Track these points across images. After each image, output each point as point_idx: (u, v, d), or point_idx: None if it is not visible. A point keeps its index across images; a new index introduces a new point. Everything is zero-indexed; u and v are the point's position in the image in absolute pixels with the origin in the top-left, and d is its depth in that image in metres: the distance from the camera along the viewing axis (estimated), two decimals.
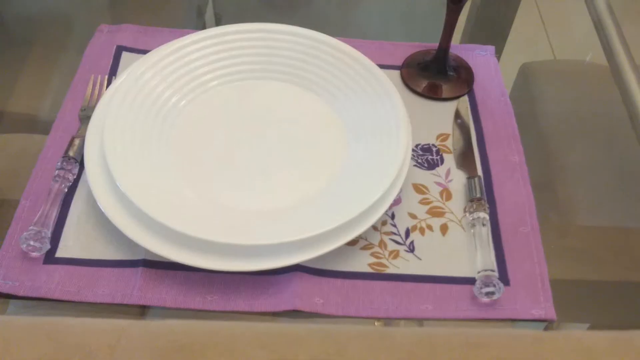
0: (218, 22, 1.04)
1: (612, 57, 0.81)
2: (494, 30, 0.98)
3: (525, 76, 0.94)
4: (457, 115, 0.59)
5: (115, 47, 0.63)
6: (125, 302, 0.46)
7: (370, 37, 1.21)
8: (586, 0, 0.88)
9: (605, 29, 0.85)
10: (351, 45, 0.60)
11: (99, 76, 0.60)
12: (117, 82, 0.56)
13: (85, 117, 0.57)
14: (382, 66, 0.61)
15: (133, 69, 0.56)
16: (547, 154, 0.79)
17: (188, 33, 0.62)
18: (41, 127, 0.80)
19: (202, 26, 1.06)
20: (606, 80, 0.80)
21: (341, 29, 1.08)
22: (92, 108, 0.57)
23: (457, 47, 0.65)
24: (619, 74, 0.79)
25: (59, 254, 0.49)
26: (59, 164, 0.52)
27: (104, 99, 0.55)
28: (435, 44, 0.63)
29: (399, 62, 0.64)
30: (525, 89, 0.93)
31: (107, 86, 0.60)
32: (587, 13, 0.88)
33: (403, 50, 0.65)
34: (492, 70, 0.64)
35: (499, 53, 1.08)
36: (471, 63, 0.64)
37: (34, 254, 0.48)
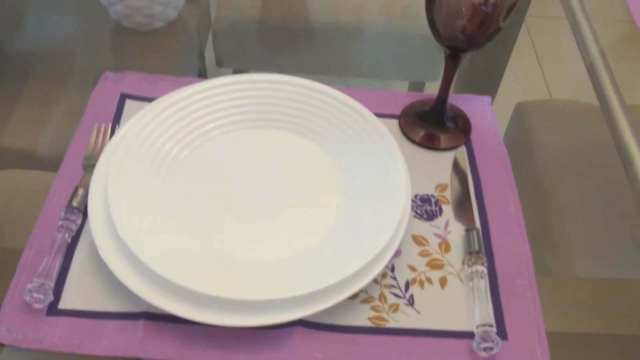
0: (218, 63, 1.06)
1: (604, 102, 0.83)
2: (488, 69, 1.00)
3: (521, 115, 0.96)
4: (456, 165, 0.60)
5: (119, 94, 0.64)
6: (127, 355, 0.47)
7: (367, 76, 1.23)
8: (579, 45, 0.90)
9: (598, 73, 0.87)
10: (350, 95, 0.62)
11: (103, 124, 0.61)
12: (119, 134, 0.57)
13: (88, 166, 0.58)
14: (380, 115, 0.62)
15: (135, 120, 0.57)
16: (542, 194, 0.80)
17: (189, 81, 0.63)
18: (36, 163, 0.81)
19: (203, 68, 1.08)
20: (601, 120, 0.81)
21: (339, 67, 1.11)
22: (96, 156, 0.58)
23: (454, 97, 0.67)
24: (611, 118, 0.80)
25: (62, 305, 0.49)
26: (62, 214, 0.53)
27: (107, 150, 0.56)
28: (432, 94, 0.64)
29: (398, 112, 0.65)
30: (521, 127, 0.95)
31: (111, 134, 0.61)
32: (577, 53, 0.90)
33: (401, 100, 0.66)
34: (488, 120, 0.65)
35: (494, 92, 1.10)
36: (468, 112, 0.65)
37: (37, 306, 0.49)
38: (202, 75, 1.12)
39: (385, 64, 1.11)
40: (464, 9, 0.52)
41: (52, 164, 0.79)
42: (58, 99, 0.84)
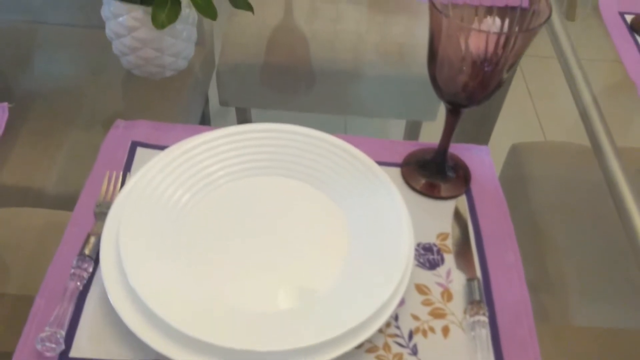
0: (222, 102, 1.09)
1: (597, 145, 0.85)
2: (483, 110, 1.03)
3: (516, 156, 0.98)
4: (457, 215, 0.62)
5: (130, 142, 0.66)
6: None
7: (365, 115, 1.24)
8: (571, 88, 0.93)
9: (590, 116, 0.89)
10: (353, 143, 0.64)
11: (114, 172, 0.63)
12: (131, 183, 0.59)
13: (100, 213, 0.59)
14: (382, 163, 0.64)
15: (146, 170, 0.59)
16: (538, 235, 0.82)
17: (198, 129, 0.66)
18: (46, 201, 0.82)
19: (207, 107, 1.11)
20: (590, 161, 0.84)
21: (338, 106, 1.13)
22: (107, 204, 0.60)
23: (454, 146, 0.69)
24: (604, 162, 0.83)
25: (73, 353, 0.50)
26: (75, 262, 0.54)
27: (118, 200, 0.58)
28: (432, 143, 0.67)
29: (399, 160, 0.67)
30: (516, 168, 0.97)
31: (122, 182, 0.62)
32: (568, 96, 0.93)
33: (402, 148, 0.68)
34: (487, 169, 0.67)
35: (489, 131, 1.12)
36: (467, 161, 0.67)
37: (49, 354, 0.50)
38: (206, 114, 1.15)
39: (383, 104, 1.13)
40: (465, 68, 0.54)
41: (57, 202, 0.80)
42: (64, 138, 0.86)
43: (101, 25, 0.89)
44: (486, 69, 0.53)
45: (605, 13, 0.88)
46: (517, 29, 0.56)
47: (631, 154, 0.87)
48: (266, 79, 1.07)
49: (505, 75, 0.55)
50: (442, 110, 1.10)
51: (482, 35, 0.52)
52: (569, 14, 1.67)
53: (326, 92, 1.08)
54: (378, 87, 1.08)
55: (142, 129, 0.68)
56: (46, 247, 0.65)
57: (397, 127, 1.40)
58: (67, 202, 0.72)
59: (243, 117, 1.33)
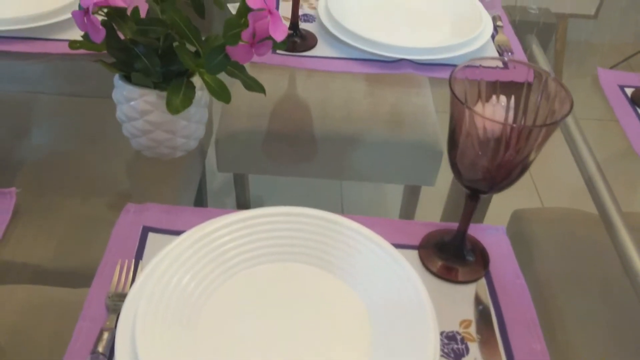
0: (220, 168, 1.08)
1: (603, 210, 0.86)
2: None
3: (518, 222, 0.98)
4: (478, 300, 0.61)
5: (141, 227, 0.65)
6: None
7: (364, 180, 1.24)
8: (577, 162, 0.94)
9: (596, 186, 0.90)
10: (368, 224, 0.63)
11: (126, 261, 0.61)
12: (144, 273, 0.57)
13: (112, 306, 0.57)
14: (399, 245, 0.63)
15: (160, 260, 0.58)
16: (544, 304, 0.81)
17: (209, 212, 0.65)
18: (48, 278, 0.79)
19: (204, 175, 1.10)
20: (596, 227, 0.84)
21: (337, 172, 1.13)
22: (119, 295, 0.58)
23: (470, 227, 0.68)
24: (612, 230, 0.83)
25: None
26: None
27: (131, 295, 0.56)
28: (449, 224, 0.66)
29: (416, 241, 0.66)
30: (519, 235, 0.96)
31: (134, 270, 0.61)
32: (572, 162, 0.94)
33: (418, 230, 0.67)
34: (504, 250, 0.66)
35: (488, 199, 1.12)
36: (484, 242, 0.67)
37: None
38: (202, 180, 1.14)
39: (381, 170, 1.13)
40: (487, 157, 0.54)
41: (56, 278, 0.78)
42: (63, 212, 0.84)
43: (98, 95, 0.88)
44: (508, 158, 0.53)
45: (606, 86, 0.89)
46: (524, 107, 0.56)
47: (637, 219, 0.87)
48: (265, 146, 1.07)
49: (529, 161, 0.55)
50: (441, 175, 1.11)
51: (505, 126, 0.52)
52: (557, 73, 1.71)
53: (323, 158, 1.08)
54: (375, 153, 1.08)
55: (152, 212, 0.66)
56: (46, 327, 0.63)
57: (395, 191, 1.40)
58: (67, 279, 0.70)
59: (240, 181, 1.32)
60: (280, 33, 0.62)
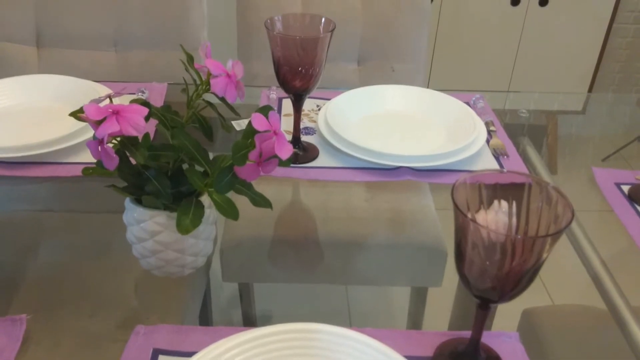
0: (225, 277, 1.07)
1: (613, 308, 0.85)
2: None
3: (529, 321, 0.97)
4: None
5: (151, 350, 0.64)
6: None
7: (370, 283, 1.24)
8: (581, 259, 0.94)
9: (603, 282, 0.90)
10: (379, 336, 0.62)
11: None
12: None
13: None
14: (412, 357, 0.63)
15: None
16: None
17: (218, 331, 0.65)
18: None
19: (208, 285, 1.09)
20: (607, 323, 0.83)
21: (342, 277, 1.12)
22: None
23: (483, 334, 0.68)
24: (623, 325, 0.82)
25: None
26: None
27: None
28: (462, 333, 0.65)
29: (428, 352, 0.65)
30: (531, 334, 0.95)
31: None
32: (576, 257, 0.94)
33: (430, 339, 0.67)
34: (519, 357, 0.66)
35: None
36: (498, 350, 0.66)
37: None
38: (207, 291, 1.13)
39: (386, 273, 1.13)
40: (494, 268, 0.55)
41: None
42: (71, 332, 0.83)
43: (106, 210, 0.89)
44: (516, 265, 0.54)
45: (603, 185, 0.92)
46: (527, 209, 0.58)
47: None
48: (270, 254, 1.07)
49: (538, 266, 0.55)
50: (447, 275, 1.10)
51: (509, 238, 0.53)
52: (551, 168, 1.75)
53: (328, 263, 1.08)
54: (380, 256, 1.08)
55: (162, 334, 0.66)
56: None
57: (402, 292, 1.39)
58: None
59: (246, 291, 1.31)
60: (285, 152, 0.65)
